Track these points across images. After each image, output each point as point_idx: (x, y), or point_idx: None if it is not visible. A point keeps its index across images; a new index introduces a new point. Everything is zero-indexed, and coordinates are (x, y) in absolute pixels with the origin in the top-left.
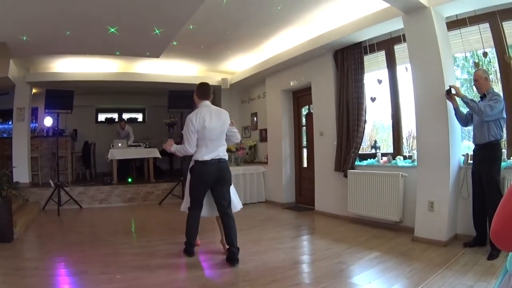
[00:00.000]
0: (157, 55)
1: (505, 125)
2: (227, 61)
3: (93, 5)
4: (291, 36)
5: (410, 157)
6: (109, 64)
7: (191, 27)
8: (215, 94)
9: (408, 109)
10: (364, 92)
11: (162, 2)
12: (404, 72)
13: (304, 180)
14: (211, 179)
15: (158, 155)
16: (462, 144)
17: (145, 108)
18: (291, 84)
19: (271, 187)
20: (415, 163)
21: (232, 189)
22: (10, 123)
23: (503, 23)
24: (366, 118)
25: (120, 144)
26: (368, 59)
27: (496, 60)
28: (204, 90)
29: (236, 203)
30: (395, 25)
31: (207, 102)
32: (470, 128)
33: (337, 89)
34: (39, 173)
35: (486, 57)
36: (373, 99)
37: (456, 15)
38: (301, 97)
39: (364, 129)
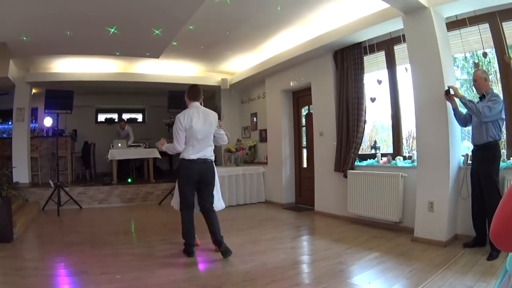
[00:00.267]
0: (157, 56)
1: (504, 126)
2: (227, 62)
3: (93, 5)
4: (291, 36)
5: (410, 157)
6: (109, 64)
7: (191, 27)
8: (215, 94)
9: (408, 110)
10: (364, 92)
11: (162, 2)
12: (404, 73)
13: (304, 180)
14: (195, 177)
15: (158, 155)
16: (462, 145)
17: (145, 108)
18: (291, 84)
19: (271, 187)
20: (415, 163)
21: (217, 191)
22: (10, 123)
23: (502, 23)
24: (366, 119)
25: (120, 144)
26: (368, 60)
27: (496, 61)
28: (193, 92)
29: (217, 203)
30: (395, 25)
31: (197, 103)
32: (470, 128)
33: (337, 89)
34: (39, 173)
35: (486, 58)
36: (373, 100)
37: (455, 15)
38: (301, 97)
39: (364, 129)
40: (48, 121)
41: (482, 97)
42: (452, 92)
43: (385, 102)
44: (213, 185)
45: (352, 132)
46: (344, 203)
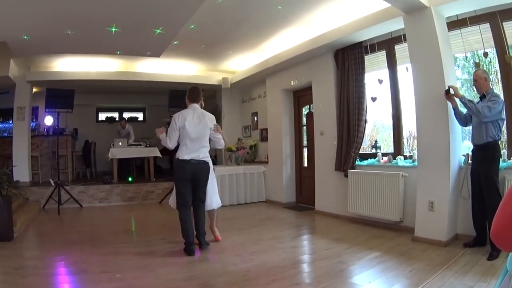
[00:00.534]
0: (157, 55)
1: (504, 126)
2: (228, 61)
3: (94, 5)
4: (291, 35)
5: (410, 157)
6: (110, 63)
7: (192, 26)
8: (216, 93)
9: (409, 109)
10: (364, 92)
11: (162, 1)
12: (405, 72)
13: (304, 179)
14: (188, 176)
15: (159, 154)
16: (463, 144)
17: (146, 107)
18: (292, 83)
19: (271, 186)
20: (416, 163)
21: (213, 187)
22: (10, 122)
23: (503, 23)
24: (367, 118)
25: (120, 143)
26: (368, 59)
27: (497, 60)
28: (192, 94)
29: (209, 202)
30: (396, 25)
31: (195, 105)
32: (470, 128)
33: (337, 88)
34: (39, 172)
35: (486, 57)
36: (373, 99)
37: (456, 15)
38: (301, 96)
39: (364, 128)
40: (48, 120)
41: (482, 97)
42: (452, 91)
43: (386, 102)
44: (206, 184)
45: (352, 131)
46: (345, 203)
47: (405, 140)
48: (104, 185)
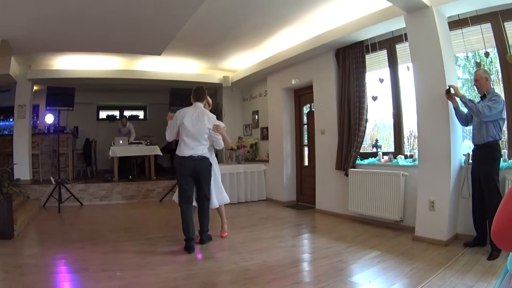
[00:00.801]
0: (158, 53)
1: (504, 126)
2: (229, 59)
3: (95, 3)
4: (292, 34)
5: (411, 156)
6: (111, 61)
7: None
8: (217, 92)
9: (410, 108)
10: (365, 91)
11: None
12: (406, 71)
13: (305, 178)
14: (188, 172)
15: (159, 153)
16: (463, 144)
17: (146, 105)
18: (293, 82)
19: (272, 185)
20: (416, 162)
21: (218, 186)
22: (11, 120)
23: (505, 23)
24: (368, 117)
25: (121, 142)
26: (369, 58)
27: (498, 60)
28: (196, 93)
29: (213, 200)
30: (397, 24)
31: (198, 104)
32: (471, 127)
33: (338, 87)
34: (40, 170)
35: (487, 57)
36: (374, 98)
37: (458, 14)
38: (302, 95)
39: (365, 128)
40: (49, 118)
41: (483, 97)
42: (452, 91)
43: (387, 101)
44: (207, 180)
45: (353, 130)
46: (345, 202)
47: (405, 139)
48: (105, 183)
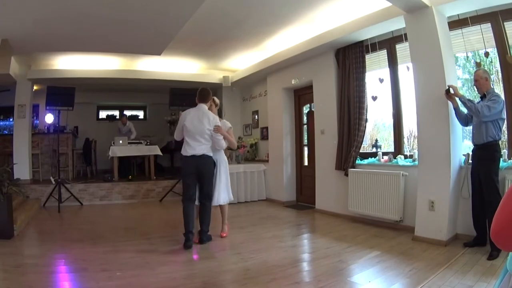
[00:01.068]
0: (158, 53)
1: (504, 126)
2: (229, 59)
3: (95, 3)
4: (292, 34)
5: (411, 156)
6: (111, 61)
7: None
8: (217, 91)
9: (409, 108)
10: (365, 91)
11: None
12: (406, 71)
13: (305, 178)
14: (190, 171)
15: (159, 153)
16: (463, 144)
17: (146, 105)
18: (293, 82)
19: (272, 185)
20: (416, 162)
21: (220, 183)
22: (11, 120)
23: (505, 23)
24: (367, 117)
25: (121, 141)
26: (369, 58)
27: (498, 60)
28: (199, 95)
29: (216, 198)
30: (397, 24)
31: (201, 105)
32: (471, 127)
33: (338, 87)
34: (39, 170)
35: (487, 57)
36: (374, 98)
37: (458, 14)
38: (302, 95)
39: (365, 128)
40: (49, 118)
41: (483, 97)
42: (452, 91)
43: (387, 101)
44: (209, 179)
45: (353, 130)
46: (345, 202)
47: (405, 139)
48: (105, 183)
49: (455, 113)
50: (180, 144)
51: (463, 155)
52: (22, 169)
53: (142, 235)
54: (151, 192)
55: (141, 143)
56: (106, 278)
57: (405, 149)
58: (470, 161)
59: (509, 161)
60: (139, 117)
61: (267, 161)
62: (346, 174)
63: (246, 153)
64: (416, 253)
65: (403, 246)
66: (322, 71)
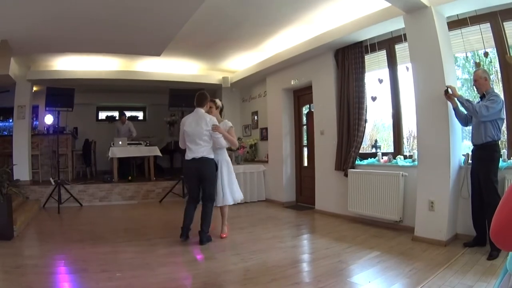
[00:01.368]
0: (158, 54)
1: (503, 126)
2: (228, 60)
3: (95, 4)
4: (292, 35)
5: (410, 156)
6: (110, 62)
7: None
8: (216, 92)
9: (409, 109)
10: (364, 91)
11: (164, 0)
12: (405, 72)
13: (304, 179)
14: (191, 173)
15: (159, 153)
16: (463, 144)
17: (146, 106)
18: (292, 83)
19: (271, 186)
20: (416, 162)
21: (226, 184)
22: (10, 121)
23: (504, 23)
24: (367, 118)
25: (120, 142)
26: (369, 58)
27: (497, 60)
28: (196, 99)
29: (217, 199)
30: (396, 24)
31: (198, 109)
32: (470, 127)
33: (338, 88)
34: (39, 171)
35: (487, 57)
36: (373, 99)
37: (457, 15)
38: (301, 96)
39: (364, 128)
40: (49, 119)
41: (482, 97)
42: (450, 91)
43: (386, 101)
44: (210, 180)
45: (353, 131)
46: (345, 202)
47: (405, 140)
48: (104, 184)
49: (455, 113)
50: (179, 145)
51: (463, 155)
52: (21, 170)
53: (142, 236)
54: (150, 193)
55: (140, 144)
56: (106, 278)
57: (404, 150)
58: (470, 161)
59: (508, 161)
60: (139, 118)
61: (267, 161)
62: (346, 175)
63: (246, 153)
64: (416, 253)
65: (403, 246)
66: (322, 72)
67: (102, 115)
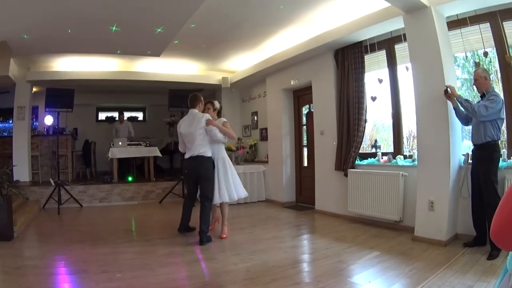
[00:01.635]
0: (157, 54)
1: (503, 126)
2: (228, 60)
3: (94, 4)
4: (291, 35)
5: (410, 156)
6: (110, 62)
7: (193, 25)
8: (216, 93)
9: (409, 109)
10: (364, 91)
11: (163, 1)
12: (405, 72)
13: (304, 179)
14: (189, 172)
15: (159, 154)
16: (463, 144)
17: (146, 107)
18: (292, 83)
19: (271, 186)
20: (416, 162)
21: (222, 182)
22: (10, 121)
23: (503, 23)
24: (367, 117)
25: (120, 143)
26: (368, 58)
27: (497, 60)
28: (190, 100)
29: (224, 194)
30: (396, 24)
31: (191, 110)
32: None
33: (337, 88)
34: (39, 171)
35: (486, 57)
36: (373, 99)
37: (456, 14)
38: (301, 96)
39: (364, 128)
40: (48, 120)
41: (482, 96)
42: (450, 91)
43: (386, 101)
44: (207, 179)
45: (352, 131)
46: (345, 202)
47: (405, 140)
48: (104, 184)
49: (455, 113)
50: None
51: (463, 155)
52: (21, 171)
53: (142, 237)
54: (150, 193)
55: (140, 144)
56: (106, 279)
57: (404, 149)
58: (470, 161)
59: (508, 160)
60: (139, 119)
61: (267, 162)
62: (346, 175)
63: (246, 154)
64: (416, 253)
65: (403, 246)
66: (321, 72)
67: (102, 115)
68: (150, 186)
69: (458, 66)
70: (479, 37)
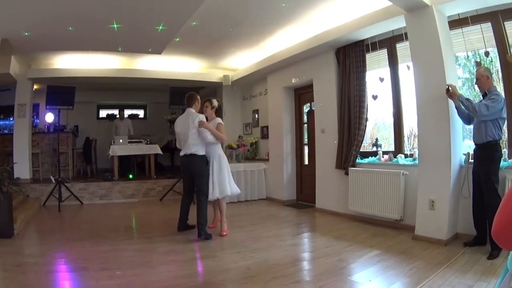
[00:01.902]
0: (159, 52)
1: (504, 125)
2: (229, 58)
3: (95, 2)
4: (293, 33)
5: (411, 155)
6: (111, 60)
7: (194, 23)
8: (217, 90)
9: (410, 108)
10: (365, 90)
11: (164, 0)
12: (406, 71)
13: (305, 177)
14: (184, 169)
15: (159, 152)
16: (464, 143)
17: (147, 104)
18: (293, 81)
19: (272, 184)
20: (416, 161)
21: (216, 179)
22: (11, 119)
23: (505, 22)
24: (368, 116)
25: (121, 140)
26: (370, 57)
27: (498, 60)
28: (186, 99)
29: (216, 191)
30: (397, 23)
31: (187, 109)
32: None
33: (338, 86)
34: (40, 169)
35: (487, 57)
36: (374, 97)
37: (458, 14)
38: (302, 94)
39: (365, 127)
40: (49, 117)
41: (484, 95)
42: (451, 90)
43: (387, 100)
44: (201, 175)
45: (353, 129)
46: (345, 201)
47: (406, 139)
48: (105, 182)
49: (457, 112)
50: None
51: (463, 154)
52: (22, 168)
53: (142, 234)
54: (151, 191)
55: (141, 142)
56: (107, 277)
57: (405, 148)
58: (471, 160)
59: (509, 160)
60: (140, 116)
61: (268, 160)
62: (347, 173)
63: (246, 152)
64: (416, 252)
65: (403, 245)
66: (323, 70)
67: (103, 113)
68: (151, 184)
69: (459, 65)
70: (481, 37)
